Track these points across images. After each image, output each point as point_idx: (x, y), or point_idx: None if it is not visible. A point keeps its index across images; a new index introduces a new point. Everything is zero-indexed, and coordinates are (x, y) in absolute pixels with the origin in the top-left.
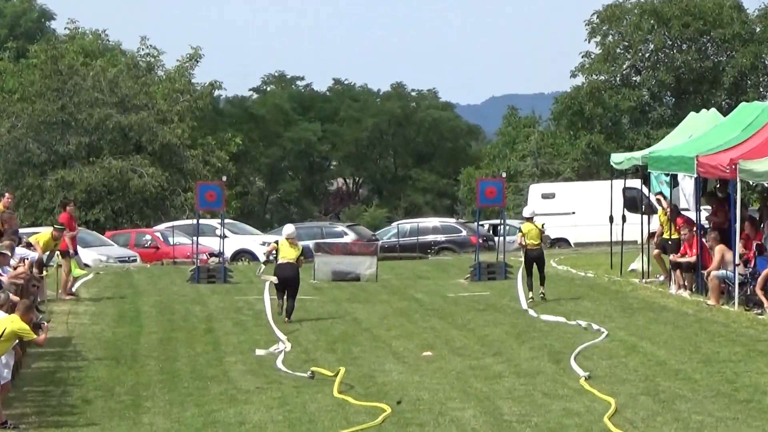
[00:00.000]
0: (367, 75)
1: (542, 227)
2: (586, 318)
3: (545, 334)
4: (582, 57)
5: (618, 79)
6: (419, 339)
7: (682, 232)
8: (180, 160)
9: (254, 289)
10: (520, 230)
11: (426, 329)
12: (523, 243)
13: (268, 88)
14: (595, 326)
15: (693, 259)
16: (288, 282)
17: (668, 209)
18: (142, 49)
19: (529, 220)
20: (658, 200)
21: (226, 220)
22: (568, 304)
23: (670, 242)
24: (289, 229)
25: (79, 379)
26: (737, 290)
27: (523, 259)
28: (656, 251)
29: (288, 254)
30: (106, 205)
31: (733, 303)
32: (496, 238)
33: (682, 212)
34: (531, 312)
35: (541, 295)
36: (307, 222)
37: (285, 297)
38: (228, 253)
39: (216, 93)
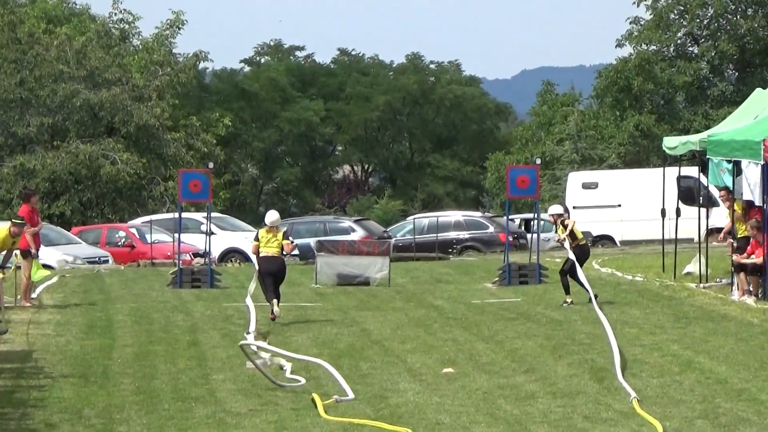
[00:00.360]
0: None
1: (562, 221)
2: (633, 329)
3: (586, 348)
4: (630, 23)
5: (672, 49)
6: (439, 353)
7: (749, 228)
8: (159, 144)
9: (244, 294)
10: (565, 226)
11: (447, 342)
12: (562, 238)
13: (263, 60)
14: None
15: (760, 260)
16: (277, 275)
17: (729, 202)
18: (115, 13)
19: (560, 216)
20: (724, 197)
21: (214, 214)
22: (613, 312)
23: (738, 240)
24: (272, 216)
25: (41, 399)
26: None
27: (569, 257)
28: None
29: (271, 246)
30: (72, 197)
31: None
32: (528, 236)
33: None
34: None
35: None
36: (308, 216)
37: (274, 299)
38: (215, 253)
39: (201, 66)
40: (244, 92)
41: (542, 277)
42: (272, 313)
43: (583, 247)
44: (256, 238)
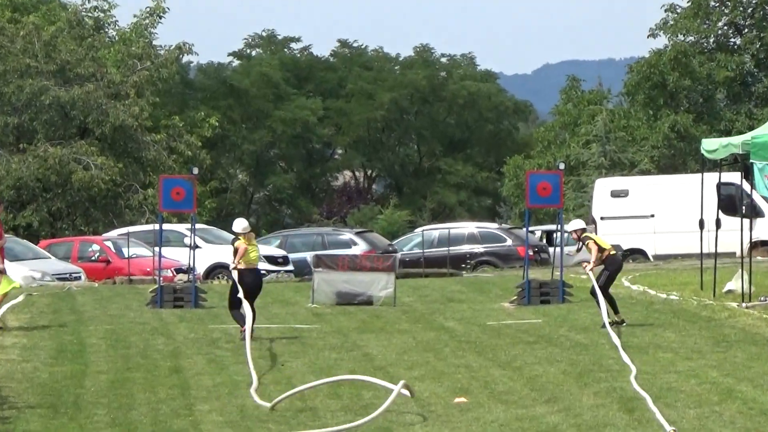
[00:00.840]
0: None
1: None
2: (668, 353)
3: (615, 375)
4: (665, 11)
5: (712, 40)
6: (450, 381)
7: None
8: (138, 147)
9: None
10: (586, 240)
11: (459, 368)
12: (598, 257)
13: (253, 53)
14: (626, 358)
15: None
16: (256, 292)
17: None
18: (88, 0)
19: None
20: None
21: (198, 226)
22: (645, 335)
23: None
24: (243, 222)
25: None
26: None
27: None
28: None
29: (254, 257)
30: (41, 206)
31: None
32: (551, 250)
33: None
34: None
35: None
36: (305, 228)
37: (250, 317)
38: (200, 269)
39: (185, 59)
40: (233, 89)
41: (566, 296)
42: (245, 332)
43: (615, 257)
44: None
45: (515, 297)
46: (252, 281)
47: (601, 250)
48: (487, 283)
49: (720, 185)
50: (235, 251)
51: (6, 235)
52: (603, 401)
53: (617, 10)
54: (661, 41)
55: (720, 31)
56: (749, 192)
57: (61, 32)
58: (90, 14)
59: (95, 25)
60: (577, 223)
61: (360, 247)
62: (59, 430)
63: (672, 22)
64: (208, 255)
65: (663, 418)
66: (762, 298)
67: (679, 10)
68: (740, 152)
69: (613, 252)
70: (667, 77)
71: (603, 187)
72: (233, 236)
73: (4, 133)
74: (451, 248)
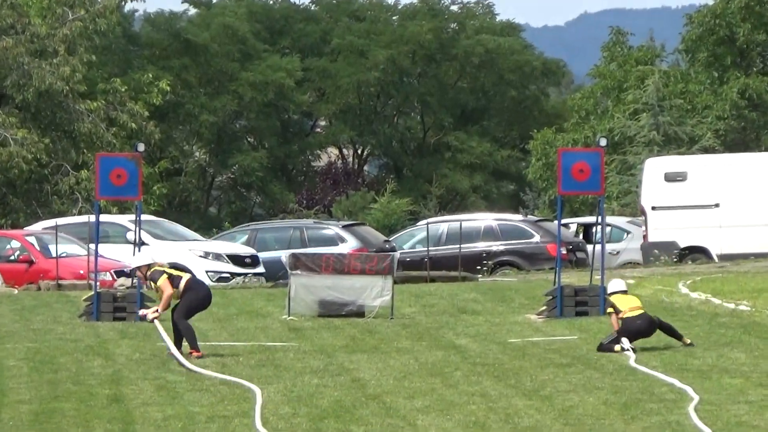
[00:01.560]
0: None
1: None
2: (736, 378)
3: (669, 406)
4: None
5: None
6: (462, 413)
7: None
8: (69, 117)
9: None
10: (611, 304)
11: (473, 397)
12: (617, 320)
13: (214, 0)
14: (679, 384)
15: None
16: (206, 303)
17: None
18: None
19: (621, 293)
20: None
21: (145, 217)
22: (708, 355)
23: None
24: (141, 258)
25: None
26: None
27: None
28: None
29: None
30: None
31: None
32: (589, 247)
33: None
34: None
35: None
36: (278, 220)
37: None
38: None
39: (128, 7)
40: (189, 45)
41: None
42: (198, 351)
43: (626, 320)
44: (161, 275)
45: (544, 307)
46: (205, 295)
47: (616, 317)
48: (509, 289)
49: None
50: (159, 291)
51: None
52: None
53: None
54: None
55: None
56: None
57: None
58: None
59: None
60: (615, 284)
61: (349, 245)
62: None
63: None
64: (157, 254)
65: None
66: None
67: None
68: None
69: (626, 315)
70: (736, 30)
71: (655, 168)
72: (145, 269)
73: None
74: (463, 246)
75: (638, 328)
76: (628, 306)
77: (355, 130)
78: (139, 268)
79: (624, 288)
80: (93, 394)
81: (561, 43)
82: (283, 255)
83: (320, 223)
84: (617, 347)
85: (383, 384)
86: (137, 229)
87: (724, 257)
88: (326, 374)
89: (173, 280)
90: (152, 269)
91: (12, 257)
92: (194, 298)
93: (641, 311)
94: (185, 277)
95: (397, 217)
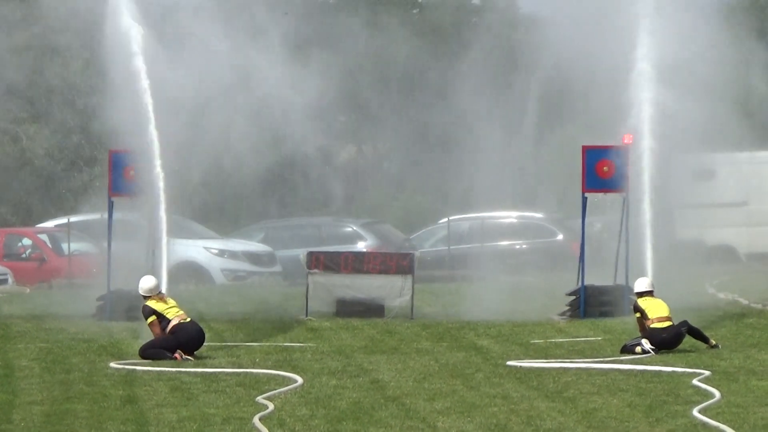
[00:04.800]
0: None
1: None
2: (764, 379)
3: (695, 408)
4: None
5: None
6: (483, 415)
7: None
8: (82, 112)
9: (205, 329)
10: (637, 308)
11: (494, 399)
12: (645, 326)
13: None
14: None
15: None
16: (196, 344)
17: None
18: None
19: (648, 294)
20: None
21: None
22: (735, 357)
23: None
24: (148, 282)
25: None
26: None
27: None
28: None
29: (174, 310)
30: None
31: None
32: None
33: None
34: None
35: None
36: (295, 218)
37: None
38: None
39: None
40: None
41: None
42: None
43: (652, 330)
44: (151, 314)
45: (567, 308)
46: (190, 333)
47: (642, 315)
48: (531, 289)
49: None
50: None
51: None
52: None
53: None
54: None
55: None
56: None
57: None
58: None
59: None
60: (641, 283)
61: (368, 242)
62: None
63: None
64: (174, 252)
65: None
66: None
67: None
68: None
69: (658, 325)
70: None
71: (683, 167)
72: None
73: None
74: (485, 244)
75: (663, 341)
76: (657, 315)
77: (368, 119)
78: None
79: (650, 288)
80: (106, 395)
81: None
82: (301, 253)
83: (339, 221)
84: (638, 348)
85: (403, 385)
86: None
87: (752, 257)
88: (344, 375)
89: (162, 322)
90: (145, 302)
91: (23, 255)
92: (172, 342)
93: (668, 323)
94: (174, 321)
95: (417, 214)
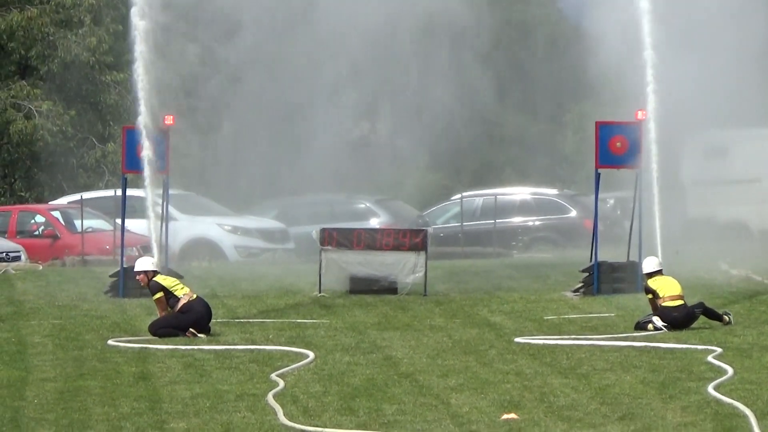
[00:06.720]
0: None
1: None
2: None
3: (709, 384)
4: None
5: None
6: (496, 392)
7: None
8: (95, 89)
9: (218, 306)
10: (648, 290)
11: (508, 375)
12: (657, 304)
13: None
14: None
15: None
16: (206, 322)
17: None
18: None
19: (657, 273)
20: None
21: (173, 191)
22: (748, 333)
23: None
24: (145, 264)
25: None
26: None
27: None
28: None
29: (181, 288)
30: None
31: None
32: (627, 223)
33: None
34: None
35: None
36: (309, 195)
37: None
38: (175, 246)
39: None
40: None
41: None
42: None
43: (664, 309)
44: (159, 290)
45: (581, 284)
46: (201, 311)
47: (654, 295)
48: (544, 265)
49: None
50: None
51: None
52: (693, 419)
53: None
54: None
55: None
56: None
57: None
58: None
59: None
60: (649, 263)
61: (381, 219)
62: None
63: None
64: (186, 229)
65: None
66: None
67: None
68: None
69: (670, 304)
70: None
71: (695, 145)
72: (149, 276)
73: None
74: (498, 221)
75: (674, 320)
76: (669, 294)
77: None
78: (145, 272)
79: (659, 267)
80: (119, 371)
81: None
82: (314, 230)
83: (352, 198)
84: (650, 326)
85: (416, 362)
86: (165, 203)
87: (765, 233)
88: (357, 352)
89: (169, 299)
90: (153, 279)
91: (36, 232)
92: (184, 321)
93: (680, 302)
94: (183, 299)
95: (430, 192)
